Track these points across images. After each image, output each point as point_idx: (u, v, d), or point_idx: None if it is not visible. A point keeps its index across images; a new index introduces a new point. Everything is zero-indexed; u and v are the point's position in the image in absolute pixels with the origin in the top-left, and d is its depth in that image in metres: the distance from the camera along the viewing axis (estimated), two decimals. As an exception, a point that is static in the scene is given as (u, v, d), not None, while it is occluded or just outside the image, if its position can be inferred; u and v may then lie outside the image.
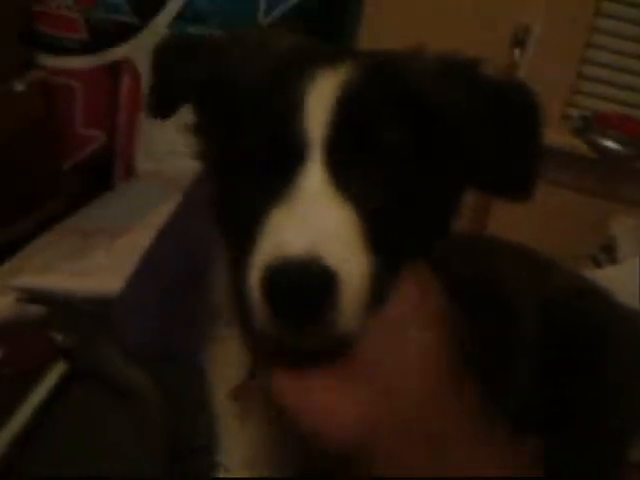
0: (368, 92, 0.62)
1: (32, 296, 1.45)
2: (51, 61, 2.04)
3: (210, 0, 1.97)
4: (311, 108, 0.60)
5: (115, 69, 2.07)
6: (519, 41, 1.95)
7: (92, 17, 2.03)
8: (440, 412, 0.61)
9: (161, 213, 1.49)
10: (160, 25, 2.01)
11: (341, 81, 0.61)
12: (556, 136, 1.89)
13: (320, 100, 0.60)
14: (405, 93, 0.62)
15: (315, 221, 0.57)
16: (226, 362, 0.70)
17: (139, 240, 1.47)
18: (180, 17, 2.01)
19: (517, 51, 1.95)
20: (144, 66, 1.96)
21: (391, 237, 0.60)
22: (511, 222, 1.35)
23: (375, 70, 0.63)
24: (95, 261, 1.56)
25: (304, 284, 0.55)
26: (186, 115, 0.68)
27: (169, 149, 1.94)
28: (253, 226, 0.59)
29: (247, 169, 0.61)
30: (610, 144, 1.92)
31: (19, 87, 1.82)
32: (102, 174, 2.12)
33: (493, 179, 0.63)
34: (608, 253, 1.62)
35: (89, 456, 1.12)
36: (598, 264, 1.61)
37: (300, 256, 0.55)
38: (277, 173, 0.60)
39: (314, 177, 0.58)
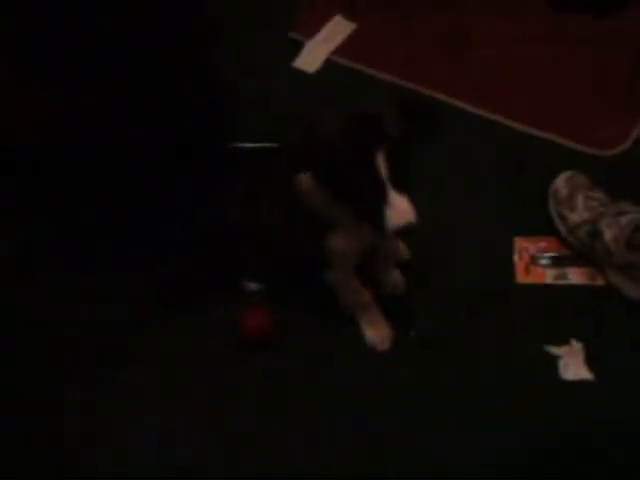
0: (393, 151, 1.30)
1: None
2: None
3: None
4: (381, 166, 1.29)
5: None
6: None
7: None
8: None
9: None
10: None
11: (383, 151, 1.29)
12: None
13: (381, 162, 1.29)
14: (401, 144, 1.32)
15: (406, 210, 1.31)
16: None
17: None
18: None
19: None
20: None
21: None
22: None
23: (391, 141, 1.30)
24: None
25: (410, 228, 1.31)
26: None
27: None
28: (372, 208, 1.32)
29: (360, 188, 1.32)
30: None
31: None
32: None
33: None
34: None
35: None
36: None
37: (409, 222, 1.31)
38: (379, 194, 1.31)
39: (393, 193, 1.30)
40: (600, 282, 1.72)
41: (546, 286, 1.73)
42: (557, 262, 1.76)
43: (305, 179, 1.44)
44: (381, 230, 1.33)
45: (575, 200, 1.77)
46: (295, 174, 1.44)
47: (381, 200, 1.31)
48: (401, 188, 1.32)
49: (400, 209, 1.31)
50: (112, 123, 1.67)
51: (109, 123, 1.67)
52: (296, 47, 2.24)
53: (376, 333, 1.66)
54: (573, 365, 1.60)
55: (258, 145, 1.90)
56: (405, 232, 1.33)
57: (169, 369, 1.64)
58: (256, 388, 1.61)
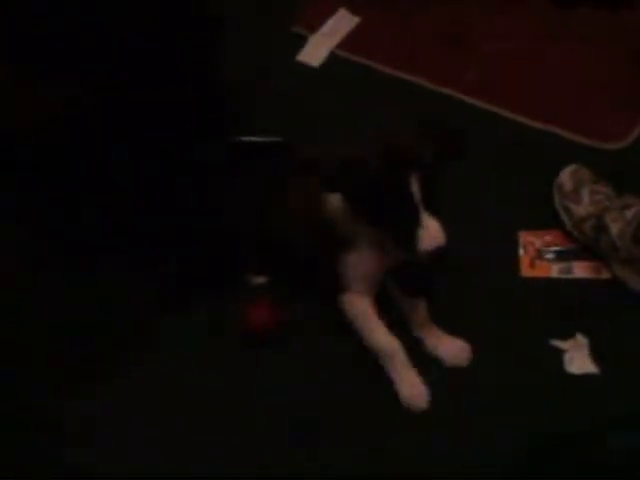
0: (427, 177, 1.36)
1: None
2: None
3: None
4: (414, 190, 1.35)
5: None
6: None
7: None
8: None
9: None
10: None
11: (416, 175, 1.35)
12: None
13: (414, 186, 1.35)
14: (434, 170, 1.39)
15: (438, 233, 1.37)
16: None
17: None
18: None
19: None
20: None
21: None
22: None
23: (425, 167, 1.37)
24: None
25: (441, 250, 1.37)
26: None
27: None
28: (405, 231, 1.38)
29: (395, 213, 1.38)
30: None
31: None
32: None
33: None
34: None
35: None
36: None
37: (440, 244, 1.37)
38: (413, 217, 1.37)
39: (426, 216, 1.36)
40: (606, 276, 1.71)
41: (551, 280, 1.72)
42: (562, 256, 1.75)
43: (333, 198, 1.48)
44: (412, 252, 1.38)
45: (580, 194, 1.75)
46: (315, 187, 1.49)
47: (414, 223, 1.37)
48: (433, 211, 1.37)
49: (432, 232, 1.37)
50: (112, 122, 1.67)
51: (109, 123, 1.67)
52: (300, 41, 2.24)
53: (411, 392, 1.55)
54: (578, 359, 1.59)
55: (263, 139, 1.90)
56: (436, 255, 1.38)
57: (170, 368, 1.64)
58: (256, 387, 1.61)
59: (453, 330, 1.63)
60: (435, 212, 1.38)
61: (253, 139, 1.90)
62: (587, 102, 2.05)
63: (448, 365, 1.60)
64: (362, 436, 1.53)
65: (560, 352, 1.60)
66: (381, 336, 1.55)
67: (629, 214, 1.65)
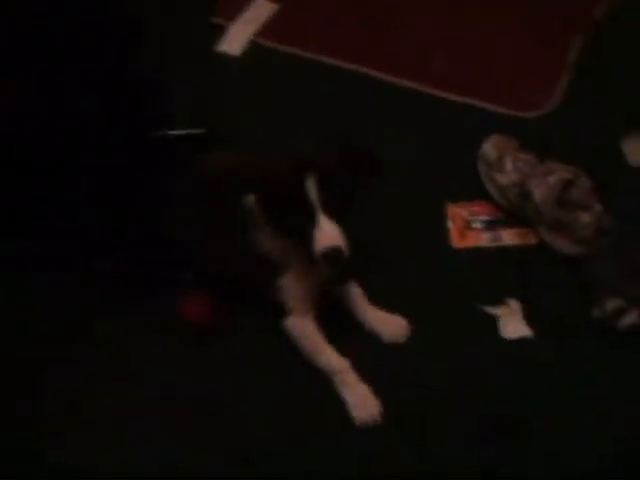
0: (325, 179, 1.41)
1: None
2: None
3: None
4: (312, 193, 1.41)
5: None
6: None
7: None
8: None
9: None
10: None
11: (315, 177, 1.41)
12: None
13: (312, 190, 1.41)
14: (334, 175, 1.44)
15: (333, 234, 1.41)
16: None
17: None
18: None
19: None
20: None
21: (346, 231, 1.44)
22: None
23: (323, 170, 1.42)
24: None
25: (336, 254, 1.41)
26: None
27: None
28: (304, 234, 1.42)
29: (293, 216, 1.43)
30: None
31: None
32: None
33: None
34: None
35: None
36: None
37: (335, 245, 1.41)
38: (308, 215, 1.41)
39: (322, 217, 1.41)
40: (533, 241, 1.75)
41: (481, 249, 1.76)
42: (490, 225, 1.79)
43: (258, 222, 1.52)
44: (312, 254, 1.42)
45: (504, 163, 1.79)
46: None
47: (312, 224, 1.41)
48: (332, 214, 1.41)
49: (327, 232, 1.41)
50: (33, 121, 1.65)
51: (30, 121, 1.65)
52: (220, 32, 2.24)
53: (364, 410, 1.51)
54: (512, 323, 1.63)
55: (186, 132, 1.89)
56: (333, 257, 1.41)
57: (112, 369, 1.62)
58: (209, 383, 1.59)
59: (390, 306, 1.65)
60: (334, 216, 1.41)
61: (177, 132, 1.90)
62: (499, 73, 2.10)
63: (387, 341, 1.62)
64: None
65: (495, 319, 1.63)
66: (329, 356, 1.55)
67: (552, 179, 1.69)
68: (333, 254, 1.41)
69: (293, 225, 1.44)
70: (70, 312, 1.69)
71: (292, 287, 1.55)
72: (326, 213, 1.41)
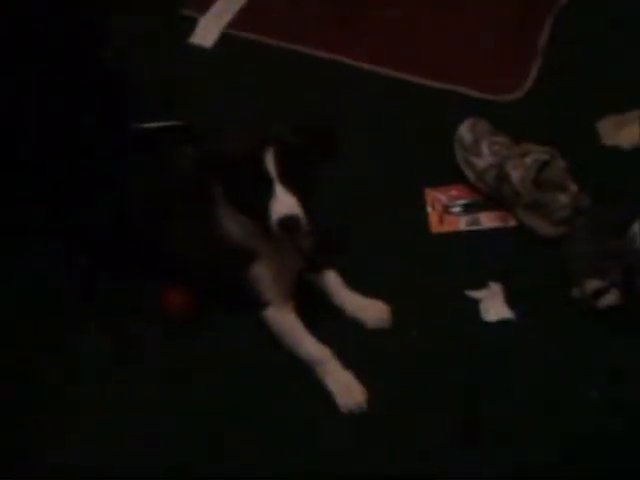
0: (283, 152, 1.42)
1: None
2: None
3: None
4: (269, 165, 1.42)
5: None
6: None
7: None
8: None
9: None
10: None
11: (273, 150, 1.41)
12: None
13: (270, 162, 1.41)
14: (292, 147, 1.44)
15: (289, 202, 1.41)
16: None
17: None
18: None
19: None
20: None
21: (305, 201, 1.44)
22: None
23: (280, 143, 1.43)
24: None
25: (292, 223, 1.41)
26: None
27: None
28: (263, 207, 1.42)
29: (252, 189, 1.44)
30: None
31: None
32: None
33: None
34: None
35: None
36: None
37: (290, 213, 1.41)
38: (266, 187, 1.42)
39: (279, 188, 1.42)
40: (512, 223, 1.76)
41: (461, 233, 1.76)
42: (469, 209, 1.79)
43: (226, 210, 1.52)
44: (270, 225, 1.42)
45: (480, 146, 1.79)
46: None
47: (269, 195, 1.41)
48: (290, 186, 1.42)
49: (283, 201, 1.41)
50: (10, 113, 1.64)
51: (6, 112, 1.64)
52: (191, 24, 2.22)
53: (349, 397, 1.50)
54: (494, 306, 1.63)
55: (160, 124, 1.88)
56: (290, 226, 1.41)
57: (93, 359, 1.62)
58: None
59: (371, 293, 1.64)
60: (293, 187, 1.41)
61: (150, 125, 1.88)
62: (479, 58, 2.11)
63: (370, 327, 1.62)
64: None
65: (476, 302, 1.64)
66: (310, 346, 1.53)
67: (529, 160, 1.70)
68: (289, 222, 1.41)
69: (253, 200, 1.44)
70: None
71: (265, 274, 1.54)
72: (284, 184, 1.41)
